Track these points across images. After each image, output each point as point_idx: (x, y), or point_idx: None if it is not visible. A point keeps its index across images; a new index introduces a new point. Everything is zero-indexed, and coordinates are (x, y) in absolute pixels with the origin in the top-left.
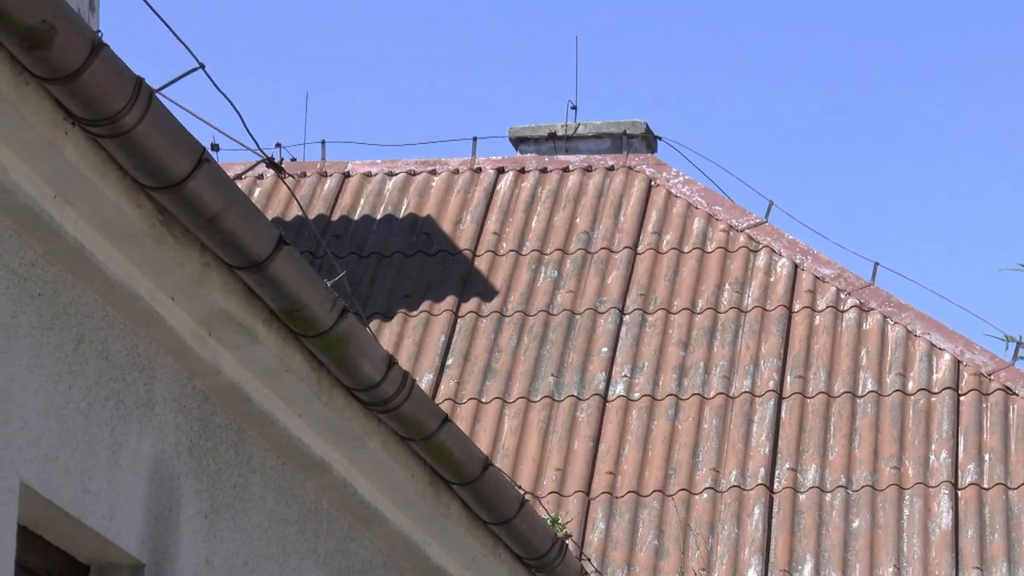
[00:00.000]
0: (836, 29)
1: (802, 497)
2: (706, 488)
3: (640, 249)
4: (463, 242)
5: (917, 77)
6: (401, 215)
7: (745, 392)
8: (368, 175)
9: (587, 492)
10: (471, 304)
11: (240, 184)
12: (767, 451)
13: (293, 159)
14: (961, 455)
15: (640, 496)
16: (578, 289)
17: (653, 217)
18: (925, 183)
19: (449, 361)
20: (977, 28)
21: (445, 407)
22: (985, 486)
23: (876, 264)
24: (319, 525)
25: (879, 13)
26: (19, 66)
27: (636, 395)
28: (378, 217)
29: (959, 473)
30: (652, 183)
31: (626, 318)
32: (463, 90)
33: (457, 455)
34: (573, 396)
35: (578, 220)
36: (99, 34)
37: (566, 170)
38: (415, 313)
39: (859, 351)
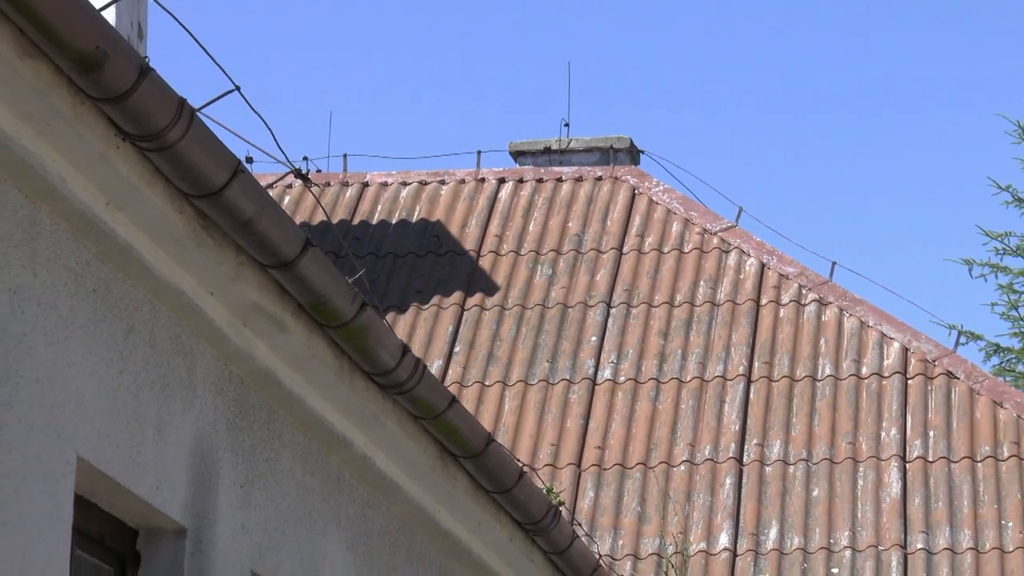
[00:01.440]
0: (799, 56)
1: (768, 469)
2: (683, 461)
3: (625, 250)
4: (468, 244)
5: (867, 99)
6: (414, 220)
7: (718, 376)
8: (385, 184)
9: (578, 465)
10: (476, 299)
11: (271, 192)
12: (737, 428)
13: (318, 170)
14: (909, 432)
15: (625, 468)
16: (570, 285)
17: (636, 222)
18: (878, 191)
19: (456, 349)
20: (919, 47)
21: (453, 390)
22: (930, 459)
23: (834, 263)
24: (341, 494)
25: (830, 41)
26: (75, 88)
27: (621, 379)
28: (393, 222)
29: (907, 448)
30: (636, 192)
31: (612, 311)
32: (469, 109)
33: (463, 432)
34: (566, 380)
35: (570, 224)
36: (147, 59)
37: (559, 180)
38: (426, 307)
39: (818, 340)
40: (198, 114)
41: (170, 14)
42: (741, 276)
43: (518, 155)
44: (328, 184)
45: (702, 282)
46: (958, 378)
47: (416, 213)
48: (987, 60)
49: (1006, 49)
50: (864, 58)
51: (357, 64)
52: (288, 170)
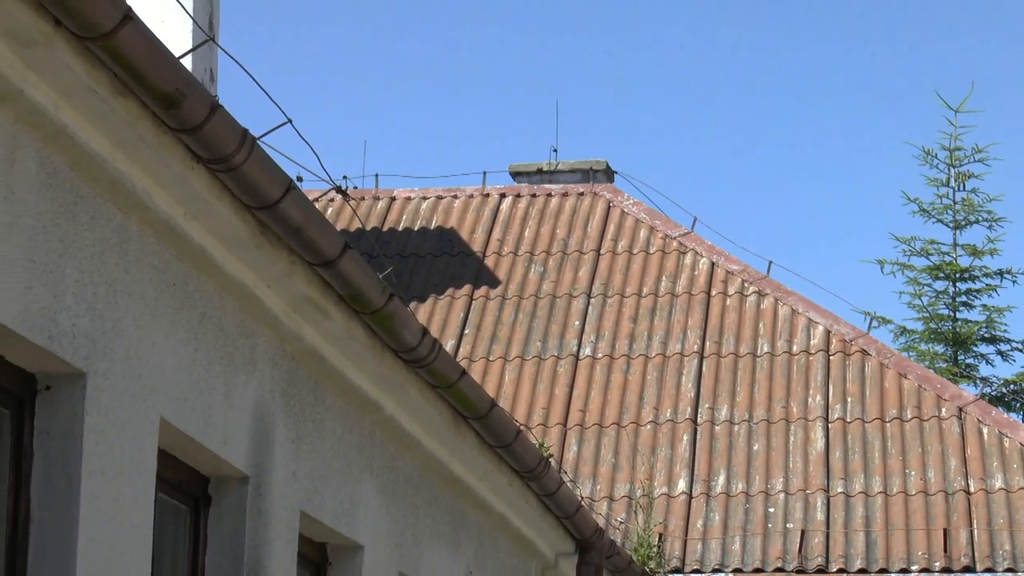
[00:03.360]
0: (746, 92)
1: (717, 428)
2: (649, 421)
3: (602, 251)
4: (476, 246)
5: (799, 128)
6: (431, 227)
7: (676, 353)
8: (408, 199)
9: (564, 424)
10: (482, 291)
11: (317, 205)
12: (692, 395)
13: (355, 187)
14: (831, 398)
15: (602, 427)
16: (558, 280)
17: (611, 229)
18: (809, 202)
19: (466, 331)
20: (841, 88)
21: (463, 364)
22: (848, 420)
23: (770, 262)
24: (373, 448)
25: (770, 81)
26: (159, 121)
27: (599, 355)
28: (415, 229)
29: (829, 411)
30: (610, 205)
31: (592, 300)
32: (477, 137)
33: (472, 398)
34: (554, 356)
35: (558, 231)
36: (216, 98)
37: (549, 195)
38: (442, 297)
39: (758, 324)
40: (258, 142)
41: (236, 62)
42: (695, 273)
43: (516, 175)
44: (363, 198)
45: (664, 277)
46: (871, 355)
47: (433, 222)
48: (900, 95)
49: (916, 87)
50: (799, 97)
51: (386, 100)
52: (330, 187)
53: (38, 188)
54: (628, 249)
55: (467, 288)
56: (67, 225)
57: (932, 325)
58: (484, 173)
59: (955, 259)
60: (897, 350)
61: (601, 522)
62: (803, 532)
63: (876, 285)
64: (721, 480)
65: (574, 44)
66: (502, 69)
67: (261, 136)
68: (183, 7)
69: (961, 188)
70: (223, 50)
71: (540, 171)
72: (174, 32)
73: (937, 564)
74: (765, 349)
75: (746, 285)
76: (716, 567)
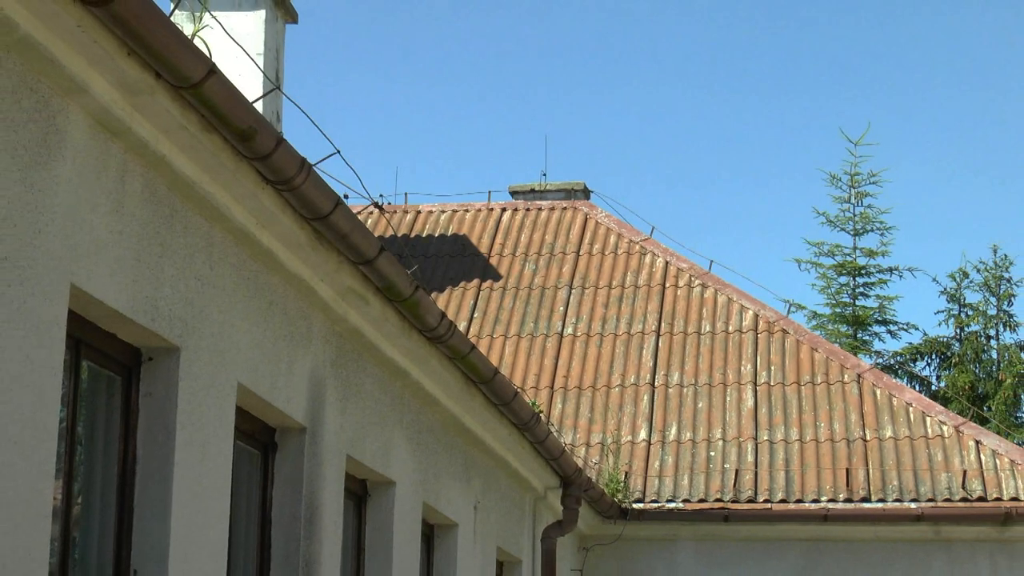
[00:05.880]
0: (701, 122)
1: (670, 390)
2: (617, 385)
3: (581, 253)
4: (483, 249)
5: (738, 154)
6: (448, 234)
7: (638, 332)
8: (430, 212)
9: (551, 387)
10: (487, 284)
11: (359, 217)
12: (651, 365)
13: (389, 203)
14: (758, 367)
15: (581, 389)
16: (547, 275)
17: (588, 236)
18: (743, 213)
19: (475, 315)
20: (773, 122)
21: (473, 340)
22: (771, 384)
23: (711, 261)
24: (404, 407)
25: (718, 113)
26: (236, 151)
27: (579, 333)
28: (435, 235)
29: (757, 377)
30: (587, 217)
31: (573, 291)
32: (484, 163)
33: (480, 367)
34: (543, 334)
35: (547, 237)
36: (281, 133)
37: (540, 209)
38: (456, 288)
39: (702, 309)
40: (314, 168)
41: (298, 107)
42: (653, 269)
43: (514, 193)
44: (395, 212)
45: (629, 273)
46: (789, 333)
47: (450, 230)
48: (812, 131)
49: (824, 124)
50: (737, 133)
51: (413, 133)
52: (370, 203)
53: (143, 203)
54: (601, 251)
55: (476, 282)
56: (165, 232)
57: (837, 310)
58: (489, 192)
59: (855, 259)
60: (810, 329)
61: (580, 463)
62: (737, 471)
63: (793, 279)
64: (673, 431)
65: (560, 93)
66: (504, 111)
67: (316, 163)
68: (255, 63)
69: (859, 204)
70: (287, 97)
71: (533, 190)
72: (249, 82)
73: (841, 496)
74: (707, 329)
75: (693, 279)
76: (669, 498)
